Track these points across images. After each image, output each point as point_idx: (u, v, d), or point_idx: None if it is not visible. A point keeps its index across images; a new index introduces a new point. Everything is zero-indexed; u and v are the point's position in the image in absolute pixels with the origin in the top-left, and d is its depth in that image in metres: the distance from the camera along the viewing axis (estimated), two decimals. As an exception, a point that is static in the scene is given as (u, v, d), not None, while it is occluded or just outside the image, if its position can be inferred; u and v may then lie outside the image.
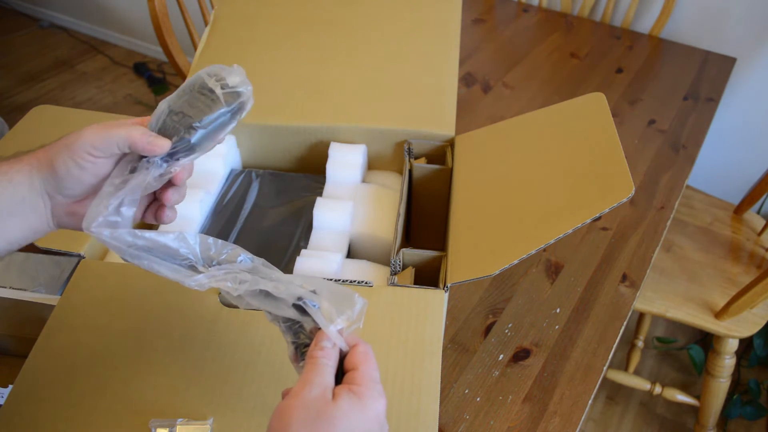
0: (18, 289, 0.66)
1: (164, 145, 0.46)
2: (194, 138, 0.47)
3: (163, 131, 0.47)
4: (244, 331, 0.55)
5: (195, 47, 1.10)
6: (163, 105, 0.47)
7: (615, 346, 0.74)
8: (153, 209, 0.51)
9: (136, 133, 0.45)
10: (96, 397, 0.51)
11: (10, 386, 0.57)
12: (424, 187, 0.73)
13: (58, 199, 0.46)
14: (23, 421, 0.50)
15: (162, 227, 0.68)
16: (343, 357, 0.42)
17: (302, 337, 0.43)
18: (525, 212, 0.58)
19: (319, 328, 0.42)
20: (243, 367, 0.53)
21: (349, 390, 0.40)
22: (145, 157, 0.46)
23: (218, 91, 0.47)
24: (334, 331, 0.41)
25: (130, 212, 0.45)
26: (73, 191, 0.46)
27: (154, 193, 0.50)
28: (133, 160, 0.47)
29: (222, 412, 0.51)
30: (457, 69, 0.80)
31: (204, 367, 0.53)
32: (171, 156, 0.47)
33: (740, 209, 1.32)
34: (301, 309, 0.42)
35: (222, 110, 0.47)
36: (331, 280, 0.58)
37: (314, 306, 0.42)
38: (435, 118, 0.74)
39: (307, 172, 0.78)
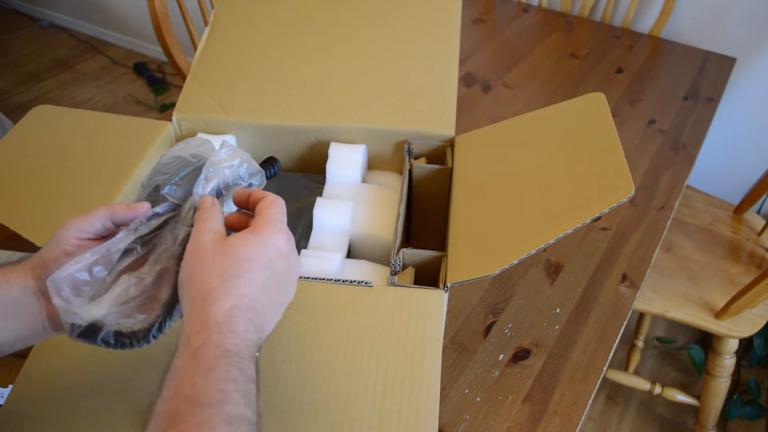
0: (18, 289, 0.65)
1: (144, 205, 0.47)
2: (169, 194, 0.48)
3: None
4: (244, 331, 0.55)
5: (195, 47, 1.10)
6: (139, 188, 0.50)
7: (615, 346, 0.74)
8: None
9: (116, 205, 0.47)
10: (96, 397, 0.51)
11: (11, 386, 0.57)
12: (424, 187, 0.73)
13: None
14: (23, 421, 0.50)
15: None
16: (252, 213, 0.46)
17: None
18: (525, 212, 0.58)
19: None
20: (243, 367, 0.53)
21: (247, 230, 0.43)
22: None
23: (183, 154, 0.50)
24: (202, 195, 0.46)
25: (102, 273, 0.44)
26: None
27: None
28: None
29: (222, 412, 0.51)
30: (457, 69, 0.80)
31: (204, 367, 0.53)
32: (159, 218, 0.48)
33: (740, 209, 1.32)
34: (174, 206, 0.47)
35: (191, 168, 0.49)
36: (331, 280, 0.58)
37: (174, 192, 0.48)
38: (435, 118, 0.74)
39: (307, 172, 0.78)
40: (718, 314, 1.11)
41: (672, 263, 1.20)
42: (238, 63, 0.82)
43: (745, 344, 1.54)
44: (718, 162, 1.59)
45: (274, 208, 0.46)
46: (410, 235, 0.78)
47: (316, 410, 0.50)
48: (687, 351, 1.51)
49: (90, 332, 0.43)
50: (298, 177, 0.76)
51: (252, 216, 0.47)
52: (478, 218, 0.61)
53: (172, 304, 0.45)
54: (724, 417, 1.42)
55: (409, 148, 0.73)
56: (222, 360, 0.37)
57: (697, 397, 1.28)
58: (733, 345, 1.16)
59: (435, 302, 0.56)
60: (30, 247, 0.61)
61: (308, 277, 0.58)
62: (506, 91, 1.19)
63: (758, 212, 1.52)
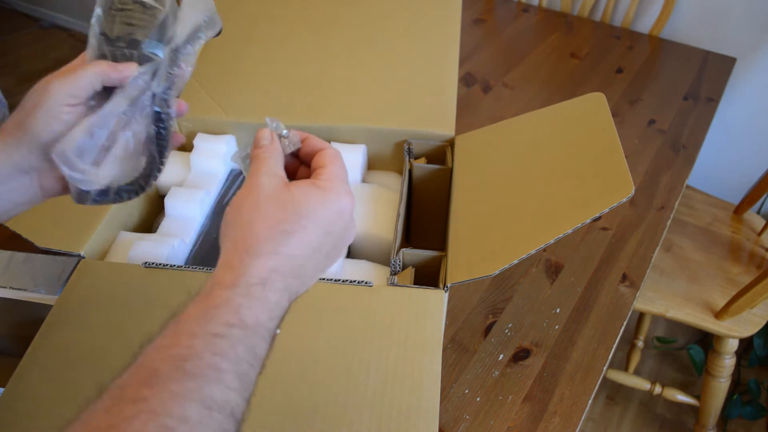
0: (18, 289, 0.66)
1: (132, 66, 0.45)
2: (152, 51, 0.46)
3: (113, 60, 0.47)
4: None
5: (195, 47, 1.10)
6: (93, 39, 0.46)
7: (615, 346, 0.74)
8: None
9: (103, 65, 0.45)
10: (93, 394, 0.51)
11: (10, 386, 0.57)
12: (424, 187, 0.73)
13: (44, 167, 0.45)
14: (18, 416, 0.50)
15: (161, 230, 0.68)
16: (308, 161, 0.43)
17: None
18: (525, 212, 0.58)
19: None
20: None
21: (311, 183, 0.39)
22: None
23: None
24: (268, 127, 0.42)
25: (102, 137, 0.44)
26: None
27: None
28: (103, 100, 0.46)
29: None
30: (457, 69, 0.80)
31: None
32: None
33: (740, 209, 1.32)
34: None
35: (163, 16, 0.46)
36: (331, 280, 0.58)
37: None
38: (435, 118, 0.74)
39: (307, 172, 0.78)
40: (718, 314, 1.11)
41: (672, 263, 1.20)
42: (238, 63, 0.82)
43: (745, 344, 1.54)
44: (718, 162, 1.59)
45: (339, 164, 0.41)
46: (410, 235, 0.78)
47: (315, 409, 0.50)
48: (687, 351, 1.51)
49: (102, 194, 0.46)
50: (298, 177, 0.76)
51: (303, 163, 0.44)
52: (478, 218, 0.61)
53: (161, 145, 0.47)
54: (724, 417, 1.42)
55: (409, 148, 0.73)
56: (234, 331, 0.33)
57: (697, 397, 1.28)
58: (733, 345, 1.16)
59: (435, 302, 0.56)
60: (30, 247, 0.61)
61: (308, 277, 0.58)
62: (506, 91, 1.19)
63: (758, 212, 1.52)
